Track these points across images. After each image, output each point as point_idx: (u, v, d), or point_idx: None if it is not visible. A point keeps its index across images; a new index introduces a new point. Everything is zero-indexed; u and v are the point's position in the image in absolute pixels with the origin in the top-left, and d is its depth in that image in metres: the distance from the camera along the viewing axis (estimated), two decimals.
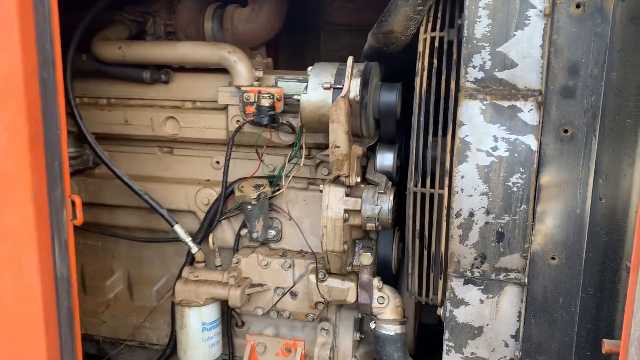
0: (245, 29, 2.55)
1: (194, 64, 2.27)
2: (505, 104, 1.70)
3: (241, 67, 2.18)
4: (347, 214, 1.94)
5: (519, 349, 1.80)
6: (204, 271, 2.22)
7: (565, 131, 1.63)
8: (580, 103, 1.60)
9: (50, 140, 1.66)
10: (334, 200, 1.94)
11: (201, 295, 2.16)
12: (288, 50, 3.27)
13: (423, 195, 1.77)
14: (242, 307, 2.19)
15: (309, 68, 1.93)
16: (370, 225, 1.92)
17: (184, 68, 2.37)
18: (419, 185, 1.74)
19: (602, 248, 1.65)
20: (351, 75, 1.77)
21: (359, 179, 1.93)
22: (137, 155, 2.46)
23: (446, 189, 1.72)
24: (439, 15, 1.84)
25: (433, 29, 1.82)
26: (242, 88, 2.09)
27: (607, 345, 1.39)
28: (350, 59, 1.80)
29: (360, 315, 2.27)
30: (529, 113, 1.68)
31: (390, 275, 2.15)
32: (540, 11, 1.62)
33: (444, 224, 1.74)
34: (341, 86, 1.83)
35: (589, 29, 1.56)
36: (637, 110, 1.55)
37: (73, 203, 1.74)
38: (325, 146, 2.19)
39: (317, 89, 1.87)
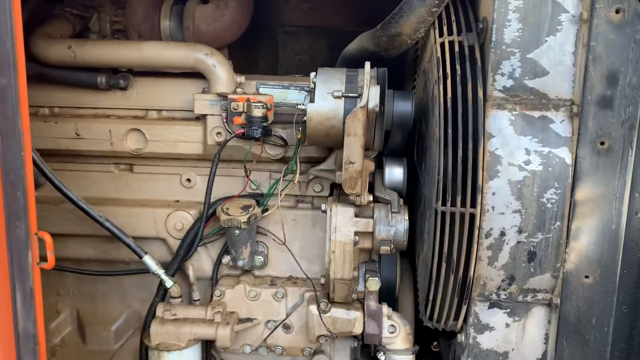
0: (210, 28, 2.27)
1: (163, 67, 1.96)
2: (536, 114, 1.59)
3: (221, 72, 1.91)
4: (357, 237, 1.73)
5: None
6: (182, 308, 1.91)
7: (602, 143, 1.54)
8: (617, 114, 1.52)
9: (10, 164, 1.31)
10: (343, 221, 1.73)
11: (182, 336, 1.85)
12: (239, 52, 3.00)
13: (445, 213, 1.61)
14: None
15: (312, 74, 1.71)
16: (384, 249, 1.73)
17: (145, 72, 2.04)
18: (449, 204, 1.58)
19: (637, 264, 1.58)
20: (369, 82, 1.57)
21: (370, 198, 1.73)
22: (88, 174, 2.09)
23: (479, 207, 1.57)
24: (453, 18, 1.69)
25: (450, 33, 1.66)
26: (230, 96, 1.81)
27: None
28: (367, 65, 1.60)
29: (356, 344, 2.07)
30: (560, 124, 1.58)
31: (393, 300, 1.97)
32: (573, 16, 1.53)
33: (475, 245, 1.60)
34: (356, 95, 1.63)
35: (628, 35, 1.48)
36: None
37: (41, 241, 1.39)
38: (318, 160, 1.98)
39: (326, 97, 1.65)
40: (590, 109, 1.53)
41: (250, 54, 3.07)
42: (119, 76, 2.01)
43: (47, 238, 1.39)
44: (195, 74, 1.99)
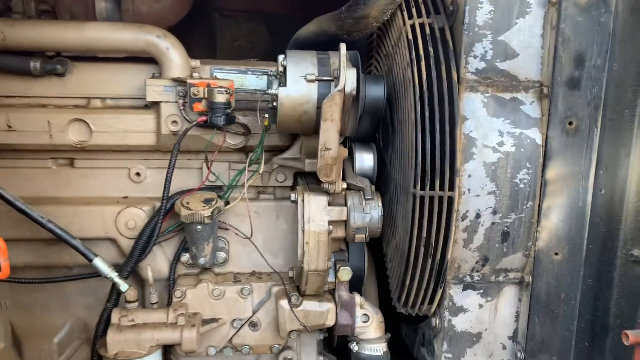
0: (151, 9, 2.12)
1: (109, 51, 1.78)
2: (507, 96, 1.61)
3: (175, 56, 1.77)
4: (330, 226, 1.68)
5: (520, 349, 1.74)
6: (140, 312, 1.76)
7: (570, 123, 1.59)
8: (584, 94, 1.57)
9: None
10: (316, 211, 1.67)
11: (144, 343, 1.71)
12: None
13: (424, 198, 1.59)
14: None
15: (280, 57, 1.62)
16: (359, 237, 1.69)
17: (84, 57, 1.85)
18: (427, 188, 1.56)
19: (601, 239, 1.65)
20: (346, 65, 1.51)
21: (345, 186, 1.68)
22: (20, 170, 1.86)
23: (457, 190, 1.57)
24: (421, 0, 1.67)
25: (419, 15, 1.64)
26: (189, 81, 1.68)
27: (632, 336, 1.38)
28: (343, 47, 1.53)
29: (322, 336, 2.02)
30: (530, 106, 1.61)
31: (360, 288, 1.94)
32: None
33: (453, 228, 1.59)
34: (330, 78, 1.56)
35: (593, 18, 1.54)
36: (634, 100, 1.56)
37: None
38: (281, 149, 1.89)
39: (298, 81, 1.57)
40: (560, 90, 1.57)
41: (184, 40, 2.90)
42: (55, 61, 1.80)
43: (0, 244, 1.21)
44: (142, 58, 1.83)
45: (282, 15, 2.76)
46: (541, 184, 1.61)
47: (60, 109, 1.79)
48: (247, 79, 1.89)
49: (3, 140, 1.76)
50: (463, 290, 1.72)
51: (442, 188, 1.57)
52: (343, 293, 1.81)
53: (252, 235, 1.84)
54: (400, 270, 1.72)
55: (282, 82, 1.58)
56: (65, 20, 1.78)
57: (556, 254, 1.66)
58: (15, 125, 1.76)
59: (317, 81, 1.57)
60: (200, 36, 2.90)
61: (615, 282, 1.67)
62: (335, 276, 1.79)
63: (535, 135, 1.60)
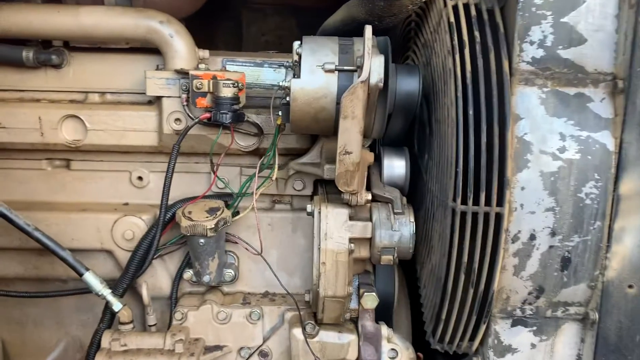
0: None
1: (107, 39, 1.58)
2: (571, 91, 1.31)
3: (180, 44, 1.55)
4: (352, 244, 1.42)
5: None
6: (134, 336, 1.54)
7: None
8: None
9: None
10: (335, 226, 1.41)
11: None
12: (194, 32, 2.64)
13: (466, 214, 1.31)
14: None
15: (296, 43, 1.38)
16: (386, 258, 1.42)
17: (82, 47, 1.66)
18: (470, 202, 1.28)
19: None
20: (371, 51, 1.25)
21: (369, 197, 1.41)
22: (11, 172, 1.69)
23: (506, 205, 1.28)
24: None
25: None
26: (191, 73, 1.46)
27: None
28: (368, 29, 1.28)
29: None
30: (601, 103, 1.31)
31: (390, 317, 1.67)
32: None
33: (501, 251, 1.30)
34: (353, 68, 1.31)
35: None
36: None
37: None
38: (298, 152, 1.65)
39: (315, 72, 1.32)
40: (639, 84, 1.26)
41: (208, 34, 2.71)
42: (50, 51, 1.62)
43: None
44: (147, 49, 1.63)
45: (312, 8, 2.53)
46: (613, 200, 1.31)
47: (53, 104, 1.61)
48: (263, 72, 1.66)
49: None
50: (512, 326, 1.42)
51: (488, 203, 1.28)
52: (367, 323, 1.54)
53: (262, 250, 1.59)
54: (435, 300, 1.44)
55: (297, 73, 1.34)
56: (58, 4, 1.60)
57: (630, 286, 1.35)
58: (4, 121, 1.59)
59: (336, 71, 1.31)
60: (225, 31, 2.70)
61: None
62: (359, 303, 1.53)
63: (607, 139, 1.29)
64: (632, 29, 1.25)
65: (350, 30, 1.61)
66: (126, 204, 1.71)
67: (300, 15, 2.57)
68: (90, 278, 1.53)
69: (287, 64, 1.60)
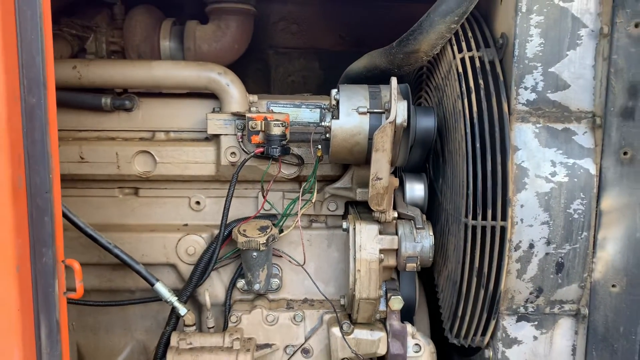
0: (211, 48, 2.24)
1: (173, 87, 1.90)
2: (559, 126, 1.61)
3: (234, 91, 1.87)
4: (382, 255, 1.71)
5: None
6: (198, 336, 1.82)
7: (625, 153, 1.57)
8: (639, 124, 1.56)
9: (38, 188, 1.23)
10: (368, 239, 1.70)
11: None
12: None
13: (476, 227, 1.61)
14: None
15: (333, 91, 1.69)
16: (411, 266, 1.71)
17: (149, 93, 1.98)
18: (479, 218, 1.57)
19: None
20: (397, 97, 1.56)
21: (396, 215, 1.71)
22: (89, 199, 2.00)
23: (509, 220, 1.57)
24: (470, 35, 1.72)
25: (469, 49, 1.68)
26: (248, 115, 1.77)
27: None
28: (394, 80, 1.59)
29: None
30: (583, 136, 1.61)
31: (412, 317, 1.95)
32: (592, 30, 1.57)
33: (506, 258, 1.59)
34: (381, 110, 1.62)
35: None
36: None
37: (68, 269, 1.31)
38: (332, 179, 1.95)
39: (350, 114, 1.63)
40: (613, 120, 1.56)
41: (240, 76, 3.04)
42: (124, 97, 1.94)
43: (76, 266, 1.31)
44: (203, 94, 1.95)
45: (333, 52, 2.86)
46: (596, 214, 1.60)
47: (127, 142, 1.92)
48: (301, 112, 1.97)
49: (76, 171, 1.90)
50: (517, 321, 1.70)
51: (494, 218, 1.58)
52: (394, 322, 1.82)
53: (304, 262, 1.89)
54: (452, 301, 1.72)
55: (335, 115, 1.65)
56: (134, 60, 1.92)
57: (614, 286, 1.63)
58: (87, 156, 1.90)
59: (368, 113, 1.63)
60: (255, 72, 3.03)
61: None
62: (387, 305, 1.81)
63: (589, 165, 1.59)
64: (606, 77, 1.56)
65: (372, 76, 1.93)
66: (186, 224, 2.01)
67: (323, 57, 2.90)
68: (160, 287, 1.81)
69: (324, 105, 1.91)
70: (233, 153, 1.87)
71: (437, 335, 1.97)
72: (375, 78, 1.89)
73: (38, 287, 1.25)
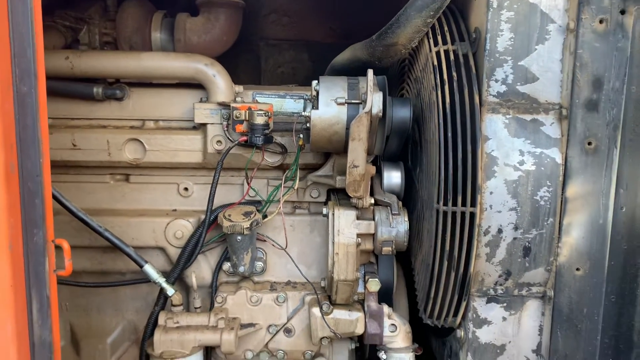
0: (200, 40, 2.31)
1: (162, 78, 1.98)
2: (528, 117, 1.69)
3: (221, 82, 1.95)
4: (359, 239, 1.79)
5: None
6: (185, 315, 1.92)
7: (589, 143, 1.65)
8: (603, 116, 1.64)
9: (29, 172, 1.31)
10: (346, 224, 1.79)
11: (187, 344, 1.86)
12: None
13: (447, 213, 1.69)
14: None
15: (314, 82, 1.77)
16: (386, 250, 1.80)
17: (139, 83, 2.05)
18: (450, 204, 1.66)
19: (622, 255, 1.69)
20: (373, 89, 1.64)
21: (372, 201, 1.80)
22: (82, 184, 2.08)
23: (478, 206, 1.66)
24: (446, 28, 1.79)
25: (444, 42, 1.76)
26: (232, 105, 1.85)
27: None
28: (370, 72, 1.67)
29: (353, 346, 2.12)
30: (551, 127, 1.69)
31: (390, 299, 2.03)
32: (560, 26, 1.65)
33: (475, 242, 1.68)
34: (358, 101, 1.70)
35: (611, 43, 1.61)
36: None
37: (58, 248, 1.40)
38: (314, 167, 2.03)
39: (329, 104, 1.71)
40: (578, 112, 1.64)
41: (231, 67, 3.11)
42: (115, 87, 2.02)
43: (65, 245, 1.39)
44: (191, 85, 2.03)
45: (322, 44, 2.93)
46: (561, 201, 1.68)
47: (118, 130, 2.00)
48: (286, 102, 2.05)
49: (69, 158, 1.98)
50: (487, 303, 1.79)
51: (464, 204, 1.66)
52: (372, 303, 1.91)
53: (287, 246, 1.97)
54: (425, 283, 1.81)
55: (315, 105, 1.73)
56: (125, 51, 1.99)
57: (577, 269, 1.72)
58: (79, 144, 1.98)
59: (346, 104, 1.71)
60: (246, 63, 3.10)
61: (638, 299, 1.71)
62: (365, 287, 1.90)
63: (555, 154, 1.67)
64: (572, 70, 1.63)
65: (355, 68, 2.01)
66: (174, 210, 2.09)
67: (312, 49, 2.97)
68: (149, 269, 1.90)
69: (306, 96, 1.99)
70: (219, 141, 1.95)
71: (416, 317, 2.06)
72: (357, 70, 1.97)
73: (30, 264, 1.34)
